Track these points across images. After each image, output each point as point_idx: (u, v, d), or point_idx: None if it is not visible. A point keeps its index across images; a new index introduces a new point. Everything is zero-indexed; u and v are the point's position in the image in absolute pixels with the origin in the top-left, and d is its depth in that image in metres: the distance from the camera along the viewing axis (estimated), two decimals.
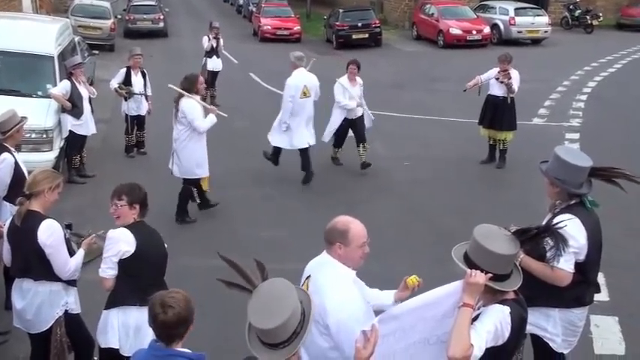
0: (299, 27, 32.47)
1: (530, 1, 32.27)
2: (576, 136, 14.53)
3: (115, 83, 12.71)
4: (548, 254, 4.66)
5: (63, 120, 11.09)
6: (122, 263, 4.99)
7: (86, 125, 11.37)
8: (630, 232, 9.37)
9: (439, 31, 29.18)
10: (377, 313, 4.07)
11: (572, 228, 4.60)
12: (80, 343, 5.55)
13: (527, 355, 5.14)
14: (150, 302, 3.60)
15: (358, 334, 3.54)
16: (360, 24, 29.61)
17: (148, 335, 4.80)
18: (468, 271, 3.66)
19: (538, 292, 4.66)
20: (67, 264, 5.22)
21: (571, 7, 33.53)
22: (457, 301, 3.63)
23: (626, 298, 7.57)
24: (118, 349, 5.07)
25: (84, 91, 11.33)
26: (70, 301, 5.40)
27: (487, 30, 29.07)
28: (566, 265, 4.67)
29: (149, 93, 12.98)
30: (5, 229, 5.38)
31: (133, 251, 4.95)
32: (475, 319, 3.68)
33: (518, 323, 3.74)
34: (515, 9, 30.01)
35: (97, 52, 20.44)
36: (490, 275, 3.64)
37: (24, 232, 5.16)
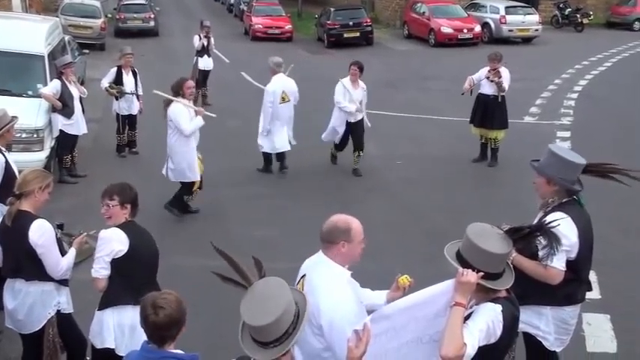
0: (290, 26, 32.44)
1: None
2: (567, 134, 14.59)
3: (105, 83, 12.68)
4: (541, 252, 4.67)
5: (54, 120, 11.05)
6: (115, 263, 4.97)
7: (77, 125, 11.32)
8: (622, 231, 9.41)
9: (430, 29, 29.24)
10: (369, 313, 4.06)
11: (564, 226, 4.61)
12: (73, 343, 5.53)
13: (520, 353, 5.14)
14: (142, 303, 3.59)
15: (350, 334, 3.54)
16: (351, 23, 29.62)
17: (143, 334, 4.84)
18: (460, 270, 3.66)
19: (530, 291, 4.67)
20: (59, 264, 5.20)
21: (561, 5, 33.66)
22: (449, 300, 3.63)
23: (618, 295, 7.60)
24: (113, 349, 5.05)
25: (74, 90, 11.29)
26: (62, 300, 5.38)
27: (478, 29, 29.15)
28: (557, 263, 4.68)
29: (140, 92, 12.95)
30: None
31: (126, 250, 4.94)
32: (467, 317, 3.67)
33: (511, 321, 3.74)
34: (506, 7, 30.11)
35: (87, 51, 20.36)
36: (482, 274, 3.64)
37: (14, 232, 5.13)
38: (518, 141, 13.14)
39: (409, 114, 16.24)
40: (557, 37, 30.55)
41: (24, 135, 10.17)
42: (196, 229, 9.54)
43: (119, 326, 5.04)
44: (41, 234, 5.12)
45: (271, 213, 10.27)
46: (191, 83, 9.59)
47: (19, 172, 6.03)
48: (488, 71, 11.97)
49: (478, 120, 12.28)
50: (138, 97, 12.91)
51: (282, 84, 11.46)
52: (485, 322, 3.63)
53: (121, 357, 4.88)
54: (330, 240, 4.02)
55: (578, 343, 6.36)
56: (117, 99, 12.74)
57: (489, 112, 12.09)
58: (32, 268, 5.17)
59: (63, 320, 5.40)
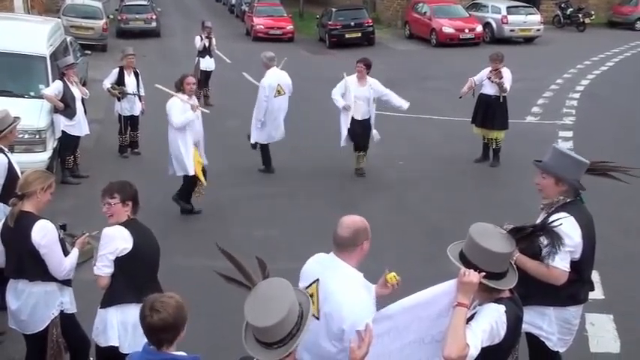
0: (292, 26, 32.45)
1: None
2: (569, 134, 14.57)
3: (107, 83, 12.69)
4: (544, 252, 4.67)
5: (56, 120, 11.06)
6: (119, 261, 4.97)
7: (79, 126, 11.34)
8: (624, 230, 9.40)
9: (432, 29, 29.23)
10: None
11: (568, 226, 4.61)
12: (76, 343, 5.53)
13: (523, 354, 5.13)
14: (143, 302, 3.59)
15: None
16: (352, 23, 29.63)
17: None
18: (462, 270, 3.64)
19: (533, 291, 4.66)
20: (63, 264, 5.20)
21: (563, 5, 33.62)
22: (452, 301, 3.62)
23: (621, 295, 7.59)
24: (117, 347, 5.06)
25: (76, 91, 11.31)
26: (66, 301, 5.38)
27: (479, 29, 29.13)
28: (561, 263, 4.68)
29: (142, 93, 12.96)
30: None
31: (130, 249, 4.95)
32: (470, 318, 3.67)
33: (514, 322, 3.73)
34: (508, 7, 30.08)
35: (89, 52, 20.39)
36: (484, 274, 3.63)
37: (17, 232, 5.14)
38: (520, 141, 13.13)
39: (410, 114, 16.14)
40: (559, 36, 30.52)
41: (26, 136, 10.18)
42: (198, 229, 9.55)
43: (122, 324, 5.05)
44: (44, 234, 5.12)
45: (272, 213, 10.28)
46: (192, 79, 9.66)
47: (22, 172, 6.04)
48: (490, 72, 11.96)
49: (479, 120, 12.27)
50: (140, 97, 12.92)
51: (276, 77, 11.62)
52: (489, 323, 3.62)
53: (124, 355, 4.88)
54: (355, 243, 4.00)
55: (582, 344, 6.35)
56: (119, 100, 12.75)
57: (490, 112, 12.08)
58: (35, 268, 5.17)
59: (66, 320, 5.40)
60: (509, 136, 12.52)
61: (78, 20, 26.56)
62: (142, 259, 5.00)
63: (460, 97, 12.33)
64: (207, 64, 17.38)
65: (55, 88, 11.00)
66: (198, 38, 17.36)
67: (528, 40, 29.35)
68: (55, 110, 11.01)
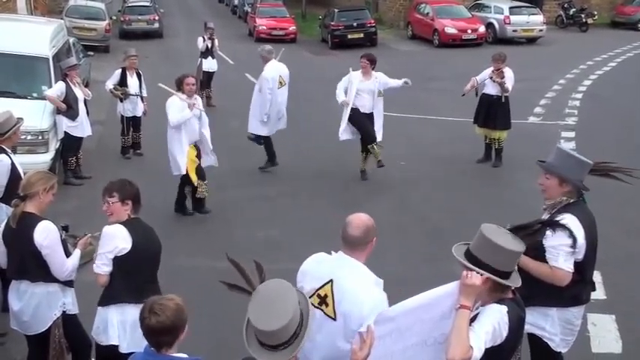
0: (294, 27, 32.46)
1: None
2: (572, 134, 14.56)
3: (110, 84, 12.71)
4: (548, 254, 4.67)
5: (58, 121, 11.08)
6: (118, 260, 4.98)
7: (81, 127, 11.36)
8: (626, 230, 9.39)
9: (434, 30, 29.22)
10: None
11: (572, 227, 4.61)
12: (78, 343, 5.54)
13: (525, 355, 5.13)
14: (143, 304, 3.59)
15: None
16: (355, 24, 29.65)
17: None
18: (465, 272, 3.63)
19: (536, 292, 4.66)
20: (64, 265, 5.21)
21: (566, 5, 33.58)
22: (454, 302, 3.61)
23: (623, 295, 7.58)
24: (118, 346, 5.07)
25: (79, 92, 11.33)
26: (68, 301, 5.39)
27: (482, 29, 29.11)
28: (565, 264, 4.68)
29: (144, 94, 12.98)
30: (0, 231, 5.37)
31: (129, 249, 4.95)
32: (473, 319, 3.66)
33: (517, 323, 3.73)
34: (510, 8, 30.04)
35: (92, 53, 20.43)
36: (486, 276, 3.62)
37: (19, 233, 5.15)
38: (523, 141, 13.12)
39: (413, 114, 16.23)
40: (562, 37, 30.49)
41: (29, 137, 10.19)
42: (200, 230, 9.56)
43: (121, 323, 5.06)
44: (46, 235, 5.13)
45: (274, 213, 10.28)
46: (192, 80, 9.66)
47: (24, 173, 6.05)
48: (492, 72, 11.97)
49: (481, 120, 12.27)
50: (142, 98, 12.93)
51: (277, 69, 11.75)
52: (492, 324, 3.61)
53: (124, 355, 4.91)
54: (367, 241, 4.05)
55: (583, 344, 6.35)
56: (121, 101, 12.77)
57: (492, 112, 12.07)
58: (37, 269, 5.18)
59: (68, 321, 5.40)
60: (512, 136, 12.51)
61: (81, 21, 26.62)
62: (140, 259, 5.00)
63: (463, 95, 12.32)
64: (209, 65, 17.40)
65: (57, 89, 11.02)
66: (200, 39, 17.38)
67: (531, 41, 29.32)
68: (58, 111, 11.03)
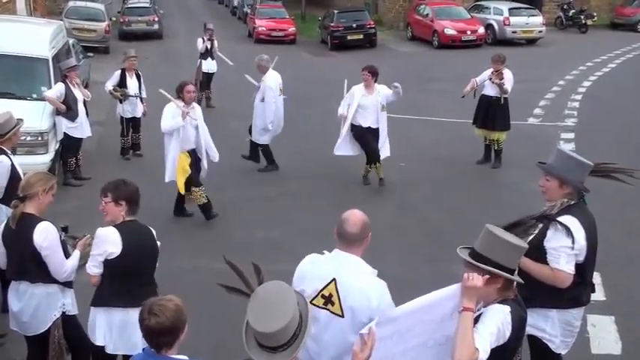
0: (294, 28, 32.47)
1: (525, 1, 32.32)
2: (571, 135, 14.56)
3: (109, 85, 12.71)
4: (549, 256, 4.67)
5: (58, 122, 11.08)
6: (107, 264, 5.00)
7: (81, 128, 11.36)
8: (624, 231, 9.39)
9: (434, 31, 29.22)
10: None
11: (573, 229, 4.62)
12: (77, 344, 5.53)
13: (525, 356, 5.13)
14: (142, 306, 3.58)
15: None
16: (354, 25, 29.65)
17: (133, 334, 4.91)
18: (466, 274, 3.63)
19: (537, 293, 4.65)
20: (64, 266, 5.21)
21: (565, 6, 33.58)
22: (456, 304, 3.61)
23: (622, 296, 7.58)
24: (104, 347, 5.12)
25: (78, 93, 11.33)
26: (67, 302, 5.39)
27: (481, 30, 29.11)
28: (566, 266, 4.68)
29: (144, 95, 12.97)
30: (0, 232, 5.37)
31: (118, 253, 4.95)
32: (475, 320, 3.66)
33: (519, 323, 3.73)
34: (510, 9, 30.03)
35: (91, 54, 20.44)
36: (487, 277, 3.62)
37: (19, 234, 5.14)
38: (522, 142, 13.13)
39: (412, 116, 16.23)
40: (561, 38, 30.50)
41: (28, 138, 10.20)
42: (199, 231, 9.56)
43: (108, 325, 5.09)
44: (45, 236, 5.13)
45: (274, 214, 10.28)
46: (192, 87, 9.61)
47: (24, 174, 6.05)
48: (492, 73, 11.97)
49: (480, 121, 12.28)
50: (142, 99, 12.93)
51: (277, 78, 11.85)
52: (496, 325, 3.61)
53: (112, 356, 5.03)
54: (363, 237, 4.12)
55: (583, 345, 6.35)
56: (121, 102, 12.77)
57: (491, 113, 12.09)
58: (36, 270, 5.17)
59: (68, 322, 5.40)
60: (511, 137, 12.52)
61: (80, 22, 26.62)
62: (130, 264, 4.97)
63: (462, 97, 12.33)
64: (209, 66, 17.40)
65: (57, 90, 11.02)
66: (200, 40, 17.38)
67: (530, 42, 29.33)
68: (57, 112, 11.03)
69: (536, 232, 4.65)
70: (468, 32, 28.74)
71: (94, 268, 5.04)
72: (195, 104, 9.77)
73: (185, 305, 3.59)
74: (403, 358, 3.79)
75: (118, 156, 12.96)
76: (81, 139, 11.51)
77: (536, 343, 5.00)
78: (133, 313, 4.94)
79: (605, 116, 16.54)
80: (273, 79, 11.74)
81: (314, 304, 4.03)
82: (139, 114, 12.95)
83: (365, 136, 11.08)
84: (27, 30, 13.55)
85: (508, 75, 11.98)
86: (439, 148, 13.69)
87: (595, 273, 5.19)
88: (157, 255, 5.21)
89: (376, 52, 28.42)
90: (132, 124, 12.94)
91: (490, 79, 11.95)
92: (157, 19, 32.08)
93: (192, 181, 9.59)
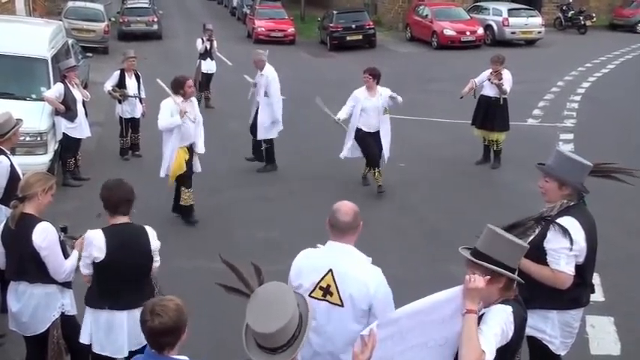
0: (293, 29, 32.47)
1: (524, 2, 32.33)
2: (570, 136, 14.57)
3: (108, 86, 12.71)
4: (549, 257, 4.67)
5: (57, 123, 11.07)
6: (95, 266, 5.03)
7: (80, 128, 11.35)
8: (624, 232, 9.40)
9: (433, 32, 29.23)
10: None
11: (573, 230, 4.62)
12: (76, 344, 5.52)
13: (524, 357, 5.12)
14: (143, 307, 3.57)
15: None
16: (354, 25, 29.67)
17: (119, 336, 5.01)
18: (467, 276, 3.62)
19: (537, 294, 4.64)
20: (63, 266, 5.21)
21: (564, 7, 33.61)
22: (456, 307, 3.61)
23: (621, 297, 7.58)
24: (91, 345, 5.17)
25: (77, 94, 11.32)
26: (66, 302, 5.39)
27: (481, 31, 29.12)
28: (567, 267, 4.67)
29: (143, 95, 12.97)
30: None
31: (102, 258, 4.96)
32: (478, 320, 3.66)
33: (520, 323, 3.73)
34: (509, 10, 30.04)
35: (90, 54, 20.43)
36: (489, 277, 3.61)
37: (18, 235, 5.14)
38: (522, 143, 13.14)
39: (411, 116, 16.23)
40: (560, 39, 30.52)
41: (28, 138, 10.18)
42: (199, 232, 9.56)
43: (95, 325, 5.13)
44: (45, 237, 5.12)
45: (273, 214, 10.28)
46: (191, 82, 9.62)
47: (23, 175, 6.04)
48: (490, 73, 11.98)
49: (479, 122, 12.29)
50: (141, 100, 12.92)
51: (275, 72, 11.89)
52: (499, 326, 3.60)
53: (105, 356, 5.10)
54: (356, 225, 4.22)
55: (582, 346, 6.35)
56: (120, 102, 12.77)
57: (490, 113, 12.09)
58: (35, 270, 5.17)
59: (67, 322, 5.40)
60: (510, 138, 12.52)
61: (79, 23, 26.63)
62: (115, 268, 4.97)
63: (461, 97, 12.33)
64: (208, 66, 17.40)
65: (56, 90, 11.01)
66: (199, 41, 17.38)
67: (529, 43, 29.35)
68: (57, 113, 11.02)
69: (536, 233, 4.66)
70: (467, 33, 28.75)
71: (84, 269, 5.11)
72: (193, 98, 9.71)
73: (185, 305, 3.59)
74: (403, 358, 3.79)
75: (117, 156, 12.96)
76: (80, 139, 11.51)
77: (536, 345, 5.00)
78: (119, 316, 5.00)
79: (604, 117, 16.55)
80: (273, 72, 11.74)
81: (313, 297, 4.10)
82: (138, 114, 12.94)
83: (366, 140, 10.96)
84: (26, 30, 13.55)
85: (507, 75, 11.98)
86: (438, 149, 13.70)
87: (594, 274, 5.19)
88: (148, 259, 5.14)
89: (375, 52, 28.44)
90: (131, 124, 12.93)
91: (489, 79, 11.96)
92: (156, 19, 32.09)
93: (184, 182, 9.58)
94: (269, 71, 11.73)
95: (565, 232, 4.61)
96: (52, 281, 5.24)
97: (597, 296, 6.82)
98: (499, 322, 3.62)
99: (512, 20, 29.31)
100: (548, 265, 4.71)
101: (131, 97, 12.72)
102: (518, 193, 10.64)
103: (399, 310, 3.89)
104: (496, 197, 10.97)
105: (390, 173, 11.69)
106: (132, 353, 5.11)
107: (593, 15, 32.68)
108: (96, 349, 5.13)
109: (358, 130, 10.92)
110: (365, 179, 11.56)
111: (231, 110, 16.12)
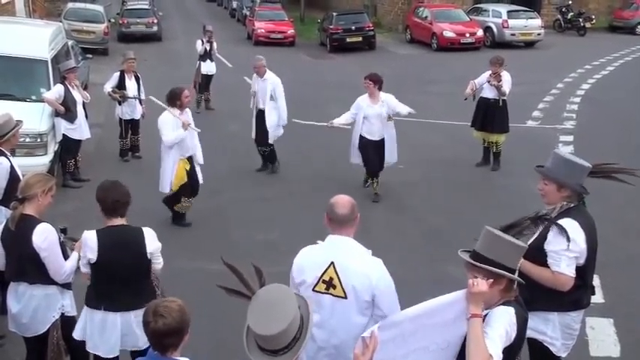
0: (293, 30, 32.46)
1: (523, 3, 32.35)
2: (570, 138, 14.57)
3: (108, 87, 12.70)
4: (549, 260, 4.67)
5: (57, 124, 11.07)
6: (91, 267, 5.08)
7: (80, 129, 11.35)
8: (624, 232, 9.40)
9: (433, 34, 29.25)
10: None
11: (573, 232, 4.61)
12: (76, 346, 5.53)
13: (524, 358, 5.12)
14: (145, 308, 3.57)
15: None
16: (353, 27, 29.66)
17: (111, 337, 5.04)
18: (470, 281, 3.62)
19: (537, 296, 4.63)
20: (63, 267, 5.21)
21: (564, 9, 33.64)
22: (459, 310, 3.61)
23: (621, 298, 7.58)
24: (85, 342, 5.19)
25: (77, 95, 11.32)
26: (66, 304, 5.40)
27: (480, 33, 29.12)
28: (567, 269, 4.67)
29: (143, 97, 12.95)
30: None
31: (94, 260, 4.99)
32: None
33: (522, 324, 3.73)
34: (508, 12, 30.07)
35: (90, 56, 20.44)
36: (491, 281, 3.61)
37: (18, 236, 5.14)
38: (521, 145, 13.14)
39: (411, 118, 16.19)
40: (560, 41, 30.54)
41: (27, 139, 10.18)
42: (199, 233, 9.55)
43: (90, 324, 5.14)
44: (45, 238, 5.13)
45: (273, 216, 10.28)
46: (188, 92, 9.46)
47: (23, 176, 6.05)
48: (490, 75, 11.98)
49: (479, 123, 12.28)
50: (140, 101, 12.92)
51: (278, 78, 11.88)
52: (503, 327, 3.60)
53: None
54: (354, 217, 4.28)
55: (582, 348, 6.35)
56: (120, 104, 12.77)
57: (490, 115, 12.09)
58: (35, 271, 5.18)
59: (67, 323, 5.40)
60: (510, 140, 12.53)
61: (79, 24, 26.63)
62: (108, 269, 5.00)
63: (465, 99, 12.31)
64: (208, 68, 17.39)
65: (56, 91, 11.01)
66: (199, 42, 17.37)
67: (529, 45, 29.36)
68: (56, 114, 11.02)
69: (535, 234, 4.66)
70: (467, 35, 28.77)
71: (83, 267, 5.15)
72: (187, 109, 9.51)
73: (186, 306, 3.59)
74: None
75: (117, 158, 12.96)
76: (80, 140, 11.50)
77: (537, 346, 4.98)
78: (112, 317, 5.02)
79: (604, 119, 16.56)
80: (275, 76, 11.77)
81: (316, 291, 4.15)
82: (137, 116, 12.95)
83: (366, 150, 10.76)
84: (26, 31, 13.56)
85: (506, 77, 11.98)
86: (438, 151, 13.70)
87: (594, 275, 5.19)
88: (143, 260, 5.11)
89: (375, 54, 28.46)
90: (131, 125, 12.93)
91: (488, 81, 11.96)
92: (156, 20, 32.08)
93: (185, 191, 9.50)
94: (271, 76, 11.70)
95: (565, 233, 4.61)
96: (52, 282, 5.25)
97: (597, 298, 6.81)
98: (503, 323, 3.61)
99: (511, 22, 29.32)
100: (548, 267, 4.71)
101: (131, 98, 12.72)
102: (518, 194, 10.64)
103: (401, 313, 3.91)
104: (496, 198, 10.98)
105: (389, 174, 11.69)
106: (133, 354, 5.13)
107: (593, 17, 32.69)
108: (89, 348, 5.17)
109: (361, 138, 10.71)
110: (366, 182, 11.55)
111: (231, 112, 16.12)
